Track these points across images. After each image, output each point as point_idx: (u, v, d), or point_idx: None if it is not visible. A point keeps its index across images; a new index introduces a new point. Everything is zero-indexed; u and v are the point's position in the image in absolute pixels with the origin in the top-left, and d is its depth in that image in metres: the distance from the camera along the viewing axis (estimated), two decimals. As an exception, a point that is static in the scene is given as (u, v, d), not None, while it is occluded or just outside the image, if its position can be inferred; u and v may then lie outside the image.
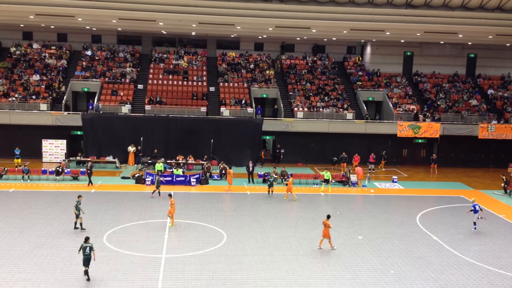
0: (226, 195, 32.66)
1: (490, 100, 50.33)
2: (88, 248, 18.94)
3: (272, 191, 32.71)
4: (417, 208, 31.07)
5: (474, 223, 26.80)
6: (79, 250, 19.12)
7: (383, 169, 42.86)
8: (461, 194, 34.98)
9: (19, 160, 38.09)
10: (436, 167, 42.67)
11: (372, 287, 19.14)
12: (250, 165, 36.63)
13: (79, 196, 25.00)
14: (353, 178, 36.57)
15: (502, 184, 36.15)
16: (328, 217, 23.37)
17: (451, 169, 44.06)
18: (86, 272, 18.81)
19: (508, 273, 21.02)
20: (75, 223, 24.53)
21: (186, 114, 43.42)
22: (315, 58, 52.90)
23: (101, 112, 42.80)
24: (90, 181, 33.59)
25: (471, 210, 26.82)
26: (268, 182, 33.00)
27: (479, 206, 26.90)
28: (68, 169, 35.94)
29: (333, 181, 36.91)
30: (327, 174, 34.77)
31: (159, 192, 30.85)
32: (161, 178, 32.58)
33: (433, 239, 25.08)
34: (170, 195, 26.31)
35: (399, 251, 23.10)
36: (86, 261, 18.81)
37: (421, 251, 23.32)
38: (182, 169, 37.06)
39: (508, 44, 49.82)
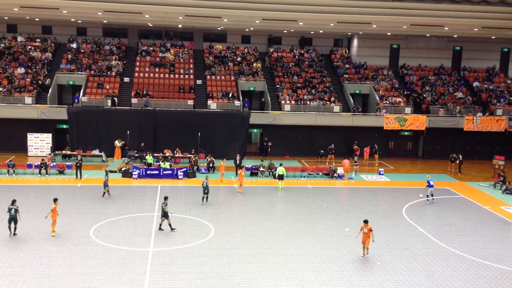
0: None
1: (475, 93, 50.76)
2: (13, 209, 22.08)
3: (207, 198, 28.76)
4: (403, 200, 31.32)
5: (432, 195, 30.42)
6: (7, 211, 22.18)
7: (376, 164, 41.74)
8: (446, 186, 35.28)
9: None
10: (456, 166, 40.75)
11: (359, 278, 19.29)
12: (238, 158, 36.62)
13: (166, 198, 24.05)
14: (340, 170, 36.67)
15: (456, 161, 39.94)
16: (366, 222, 21.58)
17: (437, 161, 44.41)
18: (9, 228, 22.28)
19: (493, 264, 21.30)
20: (170, 224, 23.70)
21: (173, 107, 43.20)
22: (302, 51, 52.87)
23: (148, 107, 42.39)
24: (79, 175, 33.43)
25: (427, 186, 30.31)
26: (203, 187, 28.67)
27: (432, 181, 30.38)
28: (54, 163, 35.61)
29: (320, 173, 37.09)
30: (281, 169, 33.02)
31: (104, 192, 29.35)
32: (106, 178, 29.79)
33: (419, 231, 25.32)
34: (55, 200, 23.44)
35: (386, 243, 23.28)
36: (11, 220, 22.10)
37: (407, 242, 23.55)
38: (169, 163, 36.93)
39: (493, 37, 50.24)
